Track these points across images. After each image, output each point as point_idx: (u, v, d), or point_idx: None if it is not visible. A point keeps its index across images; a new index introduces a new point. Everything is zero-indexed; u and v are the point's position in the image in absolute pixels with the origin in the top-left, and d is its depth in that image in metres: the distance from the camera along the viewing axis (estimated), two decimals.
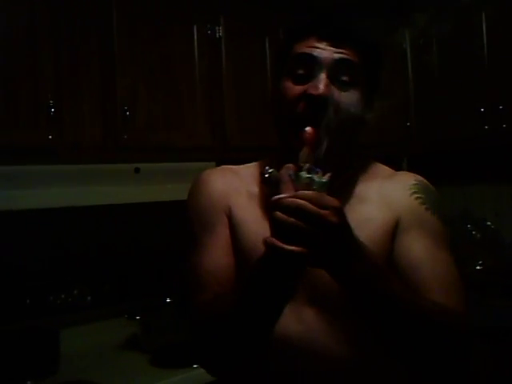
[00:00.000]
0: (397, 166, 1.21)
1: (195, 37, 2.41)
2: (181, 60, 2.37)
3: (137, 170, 2.21)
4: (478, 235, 3.05)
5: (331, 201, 0.86)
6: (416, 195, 1.13)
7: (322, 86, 1.03)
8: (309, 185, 0.88)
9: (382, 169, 1.21)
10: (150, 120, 2.25)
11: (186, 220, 1.20)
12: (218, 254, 1.12)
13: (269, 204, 0.89)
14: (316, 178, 0.89)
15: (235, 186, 1.18)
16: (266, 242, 0.87)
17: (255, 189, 1.17)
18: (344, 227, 0.88)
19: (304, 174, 0.89)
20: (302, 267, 0.92)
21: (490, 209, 3.08)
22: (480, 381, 2.35)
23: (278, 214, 0.85)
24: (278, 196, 0.87)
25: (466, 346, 1.03)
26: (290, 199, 0.86)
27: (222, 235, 1.14)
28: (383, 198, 1.12)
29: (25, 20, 1.93)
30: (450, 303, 1.02)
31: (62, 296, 2.30)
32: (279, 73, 1.13)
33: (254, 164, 1.25)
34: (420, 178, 1.18)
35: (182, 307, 2.27)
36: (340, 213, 0.87)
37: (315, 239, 0.85)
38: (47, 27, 1.98)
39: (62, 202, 2.09)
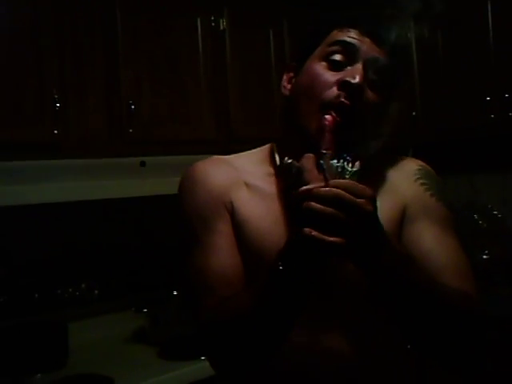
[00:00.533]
0: (403, 156, 1.19)
1: (199, 29, 2.40)
2: (185, 53, 2.36)
3: (142, 164, 2.22)
4: (485, 224, 3.05)
5: (365, 189, 0.85)
6: (420, 181, 1.12)
7: (359, 76, 1.00)
8: (340, 173, 0.86)
9: (385, 156, 1.18)
10: (154, 113, 2.25)
11: (182, 218, 1.13)
12: (224, 255, 1.06)
13: (292, 195, 0.86)
14: (347, 166, 0.86)
15: (233, 179, 1.12)
16: (303, 234, 0.83)
17: (254, 181, 1.12)
18: (377, 217, 0.87)
19: (335, 163, 0.86)
20: (335, 258, 0.90)
21: (497, 198, 3.07)
22: (487, 369, 2.35)
23: (314, 204, 0.82)
24: (309, 186, 0.84)
25: (482, 330, 1.02)
26: (326, 189, 0.83)
27: (226, 234, 1.08)
28: (388, 187, 1.11)
29: (29, 15, 1.93)
30: (463, 288, 1.01)
31: (70, 290, 2.31)
32: (306, 54, 1.09)
33: (250, 152, 1.20)
34: (423, 163, 1.17)
35: (187, 304, 2.28)
36: (374, 202, 0.86)
37: (352, 228, 0.83)
38: (51, 22, 1.98)
39: (68, 197, 2.10)
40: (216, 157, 1.19)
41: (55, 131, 1.96)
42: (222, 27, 2.47)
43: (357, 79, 1.00)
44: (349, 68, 1.03)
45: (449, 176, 3.23)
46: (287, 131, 1.11)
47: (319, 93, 1.02)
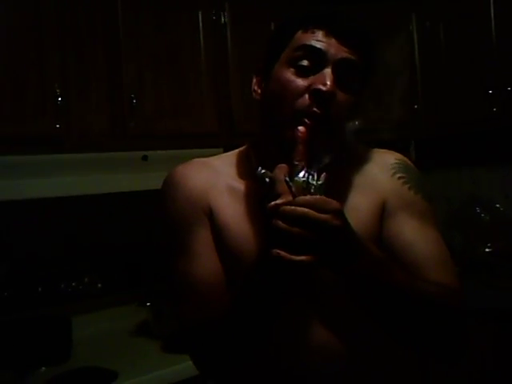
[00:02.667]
0: (404, 150, 1.19)
1: (200, 23, 2.39)
2: (186, 46, 2.36)
3: (144, 158, 2.22)
4: (487, 218, 3.05)
5: (331, 203, 0.85)
6: (398, 175, 1.12)
7: (329, 82, 0.99)
8: (305, 188, 0.86)
9: (360, 150, 1.17)
10: (156, 107, 2.25)
11: (164, 222, 1.15)
12: (204, 261, 1.08)
13: (264, 208, 0.87)
14: (312, 180, 0.86)
15: (213, 183, 1.12)
16: (271, 255, 0.85)
17: (235, 183, 1.12)
18: (346, 227, 0.88)
19: (301, 178, 0.87)
20: (307, 271, 0.92)
21: (499, 191, 3.07)
22: (488, 362, 2.35)
23: (280, 223, 0.84)
24: (275, 202, 0.85)
25: (463, 321, 1.04)
26: (292, 207, 0.84)
27: (205, 240, 1.09)
28: (367, 182, 1.11)
29: (31, 10, 1.93)
30: (445, 280, 1.03)
31: (73, 284, 2.32)
32: (273, 58, 1.08)
33: (229, 155, 1.20)
34: (399, 155, 1.16)
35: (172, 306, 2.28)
36: (341, 214, 0.86)
37: (319, 244, 0.85)
38: (53, 17, 1.98)
39: (70, 191, 2.11)
40: (196, 160, 1.18)
41: (57, 125, 1.97)
42: (223, 21, 2.47)
43: (327, 86, 0.98)
44: (318, 73, 1.01)
45: (451, 169, 3.24)
46: (262, 135, 1.11)
47: (291, 101, 1.01)
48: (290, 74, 1.03)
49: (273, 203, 0.85)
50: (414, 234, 1.07)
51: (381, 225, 1.09)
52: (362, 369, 1.07)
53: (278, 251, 0.85)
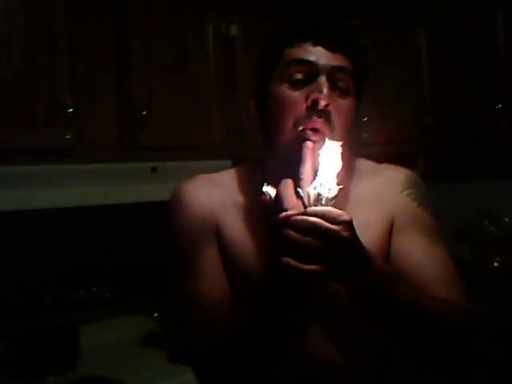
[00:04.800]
0: (413, 163, 1.20)
1: (210, 35, 2.42)
2: (196, 59, 2.38)
3: (153, 169, 2.23)
4: (496, 231, 3.03)
5: (342, 215, 0.86)
6: (407, 191, 1.12)
7: (325, 89, 1.01)
8: (318, 200, 0.87)
9: (367, 164, 1.18)
10: (166, 119, 2.26)
11: (171, 238, 1.16)
12: (210, 279, 1.09)
13: (269, 221, 0.88)
14: (324, 192, 0.87)
15: (219, 199, 1.12)
16: (281, 264, 0.86)
17: (241, 199, 1.12)
18: (355, 239, 0.89)
19: (313, 189, 0.87)
20: (315, 281, 0.94)
21: (507, 205, 3.06)
22: (495, 377, 2.34)
23: (291, 233, 0.85)
24: (287, 213, 0.86)
25: (470, 339, 1.05)
26: (303, 217, 0.85)
27: (212, 257, 1.10)
28: (376, 199, 1.11)
29: (42, 22, 1.95)
30: (453, 298, 1.03)
31: (81, 293, 2.32)
32: (265, 79, 1.08)
33: (234, 170, 1.20)
34: (407, 171, 1.17)
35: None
36: (351, 226, 0.87)
37: (329, 254, 0.86)
38: (64, 28, 1.99)
39: (79, 201, 2.12)
40: (202, 176, 1.18)
41: (67, 136, 1.98)
42: (232, 33, 2.49)
43: (322, 97, 1.00)
44: (313, 83, 1.02)
45: (459, 183, 3.23)
46: (267, 151, 1.12)
47: (290, 115, 1.02)
48: (285, 89, 1.04)
49: (284, 214, 0.86)
50: (422, 252, 1.07)
51: (389, 241, 1.09)
52: (359, 378, 1.07)
53: (288, 260, 0.85)
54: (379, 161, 1.20)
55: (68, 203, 2.10)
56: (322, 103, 0.99)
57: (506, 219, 3.05)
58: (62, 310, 2.27)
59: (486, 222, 3.07)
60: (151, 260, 2.54)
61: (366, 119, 2.81)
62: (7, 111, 1.87)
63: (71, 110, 1.97)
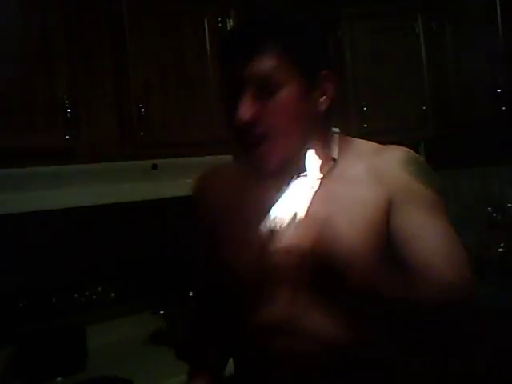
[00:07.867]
0: (414, 150, 1.19)
1: (206, 30, 2.40)
2: (193, 54, 2.37)
3: (154, 167, 2.23)
4: (499, 217, 3.03)
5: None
6: (407, 169, 1.12)
7: (247, 105, 1.06)
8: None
9: (368, 145, 1.18)
10: (165, 116, 2.26)
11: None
12: (200, 275, 1.33)
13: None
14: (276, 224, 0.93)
15: (221, 194, 1.23)
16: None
17: (241, 190, 1.20)
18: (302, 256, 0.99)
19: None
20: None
21: (510, 190, 3.05)
22: (500, 363, 2.34)
23: None
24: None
25: (469, 317, 1.06)
26: None
27: (204, 255, 1.29)
28: (373, 176, 1.11)
29: (38, 22, 1.94)
30: (451, 272, 1.02)
31: (87, 293, 2.33)
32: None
33: (235, 163, 1.30)
34: (408, 150, 1.17)
35: None
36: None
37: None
38: (60, 28, 1.99)
39: (81, 202, 2.12)
40: (215, 168, 1.32)
41: (67, 136, 1.97)
42: (228, 28, 2.48)
43: (241, 118, 1.06)
44: (238, 100, 1.07)
45: (461, 169, 3.22)
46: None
47: (234, 125, 1.09)
48: (227, 102, 1.11)
49: None
50: (419, 227, 1.06)
51: (388, 218, 1.08)
52: (353, 357, 1.08)
53: None
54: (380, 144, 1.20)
55: (70, 204, 2.10)
56: (246, 121, 1.06)
57: (509, 204, 3.04)
58: (68, 310, 2.27)
59: (489, 207, 3.06)
60: (156, 257, 2.54)
61: (365, 109, 2.82)
62: (6, 113, 1.86)
63: (69, 110, 1.97)
